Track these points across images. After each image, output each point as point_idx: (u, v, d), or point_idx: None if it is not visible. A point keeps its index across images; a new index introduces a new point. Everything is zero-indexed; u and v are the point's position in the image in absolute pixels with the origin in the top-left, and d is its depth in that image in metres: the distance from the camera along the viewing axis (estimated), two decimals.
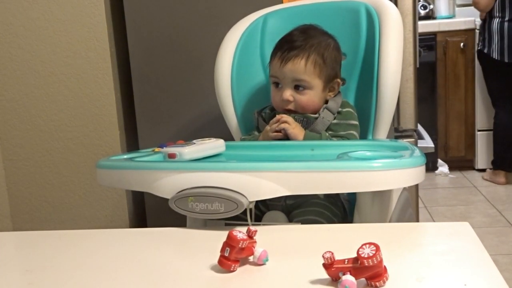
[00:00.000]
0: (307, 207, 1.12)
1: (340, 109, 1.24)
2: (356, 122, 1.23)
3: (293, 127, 1.19)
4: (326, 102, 1.25)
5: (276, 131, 1.20)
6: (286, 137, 1.19)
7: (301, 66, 1.22)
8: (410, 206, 1.34)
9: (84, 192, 1.78)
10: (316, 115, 1.22)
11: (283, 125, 1.19)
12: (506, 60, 3.32)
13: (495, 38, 3.34)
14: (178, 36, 1.69)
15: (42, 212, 1.79)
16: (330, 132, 1.21)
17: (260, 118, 1.30)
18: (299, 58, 1.22)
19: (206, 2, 1.67)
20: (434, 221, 2.86)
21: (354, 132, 1.22)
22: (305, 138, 1.18)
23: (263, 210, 1.15)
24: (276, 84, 1.26)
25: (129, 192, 1.78)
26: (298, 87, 1.23)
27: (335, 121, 1.23)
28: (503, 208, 3.03)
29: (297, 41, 1.24)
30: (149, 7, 1.69)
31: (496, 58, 3.35)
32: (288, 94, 1.23)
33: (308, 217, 1.10)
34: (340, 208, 1.17)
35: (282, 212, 1.13)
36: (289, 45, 1.24)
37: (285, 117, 1.20)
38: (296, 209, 1.13)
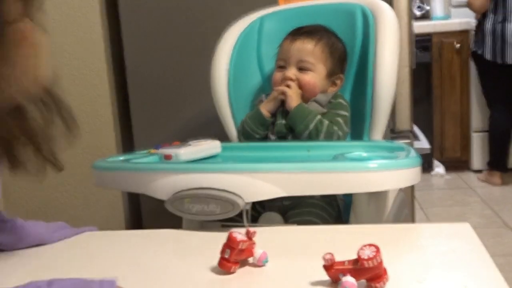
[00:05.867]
0: (304, 207, 1.12)
1: (332, 100, 1.24)
2: (345, 113, 1.23)
3: (293, 92, 1.21)
4: None
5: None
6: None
7: (309, 46, 1.24)
8: (406, 207, 1.34)
9: (80, 194, 1.77)
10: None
11: (283, 88, 1.21)
12: (498, 61, 3.32)
13: (488, 39, 3.34)
14: (174, 37, 1.69)
15: (38, 214, 1.78)
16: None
17: None
18: (309, 39, 1.25)
19: (202, 3, 1.66)
20: (430, 222, 2.86)
21: (341, 120, 1.21)
22: (297, 108, 1.19)
23: (259, 211, 1.15)
24: (280, 68, 1.27)
25: (125, 193, 1.78)
26: (302, 69, 1.24)
27: (324, 110, 1.23)
28: (498, 209, 3.03)
29: (310, 27, 1.28)
30: (144, 8, 1.68)
31: (489, 59, 3.35)
32: (291, 72, 1.24)
33: (304, 218, 1.10)
34: (336, 209, 1.17)
35: (278, 212, 1.13)
36: (302, 29, 1.27)
37: (289, 82, 1.22)
38: (293, 209, 1.13)
